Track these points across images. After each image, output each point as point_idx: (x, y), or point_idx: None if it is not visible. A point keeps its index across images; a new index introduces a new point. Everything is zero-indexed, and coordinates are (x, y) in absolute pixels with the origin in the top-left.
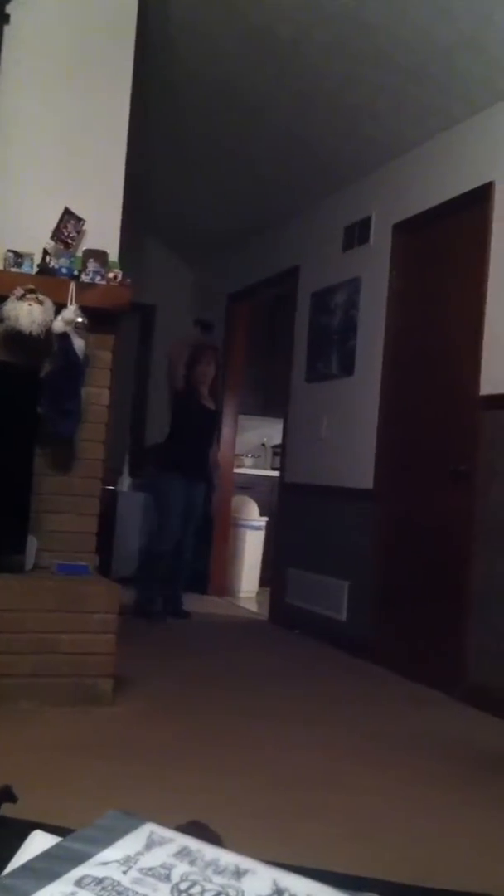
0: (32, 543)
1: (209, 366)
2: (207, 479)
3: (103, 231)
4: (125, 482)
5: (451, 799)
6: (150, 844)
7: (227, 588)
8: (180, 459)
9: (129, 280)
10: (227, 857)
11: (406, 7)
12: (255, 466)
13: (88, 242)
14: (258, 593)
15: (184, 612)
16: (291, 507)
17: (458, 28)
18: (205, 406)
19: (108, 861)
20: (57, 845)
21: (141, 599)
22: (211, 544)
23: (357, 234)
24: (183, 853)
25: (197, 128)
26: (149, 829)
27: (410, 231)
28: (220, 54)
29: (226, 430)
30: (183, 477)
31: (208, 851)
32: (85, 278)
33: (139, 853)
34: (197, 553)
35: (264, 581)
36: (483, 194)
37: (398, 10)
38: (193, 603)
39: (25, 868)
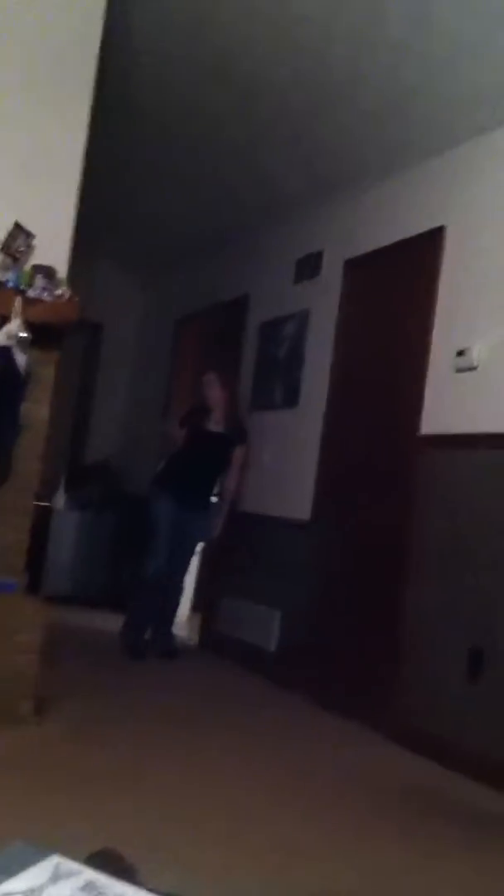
0: None
1: (212, 389)
2: (205, 509)
3: (53, 247)
4: (61, 499)
5: (363, 833)
6: (56, 877)
7: None
8: (167, 480)
9: (76, 297)
10: (133, 893)
11: (370, 48)
12: None
13: (37, 258)
14: (189, 619)
15: (171, 651)
16: (229, 534)
17: (419, 70)
18: (208, 430)
19: (11, 893)
20: None
21: (123, 631)
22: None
23: (309, 267)
24: (88, 887)
25: (151, 147)
26: (55, 860)
27: (361, 268)
28: (180, 78)
29: None
30: (173, 499)
31: (114, 886)
32: (32, 293)
33: (44, 885)
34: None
35: (196, 607)
36: (434, 238)
37: (362, 51)
38: (119, 624)
39: None
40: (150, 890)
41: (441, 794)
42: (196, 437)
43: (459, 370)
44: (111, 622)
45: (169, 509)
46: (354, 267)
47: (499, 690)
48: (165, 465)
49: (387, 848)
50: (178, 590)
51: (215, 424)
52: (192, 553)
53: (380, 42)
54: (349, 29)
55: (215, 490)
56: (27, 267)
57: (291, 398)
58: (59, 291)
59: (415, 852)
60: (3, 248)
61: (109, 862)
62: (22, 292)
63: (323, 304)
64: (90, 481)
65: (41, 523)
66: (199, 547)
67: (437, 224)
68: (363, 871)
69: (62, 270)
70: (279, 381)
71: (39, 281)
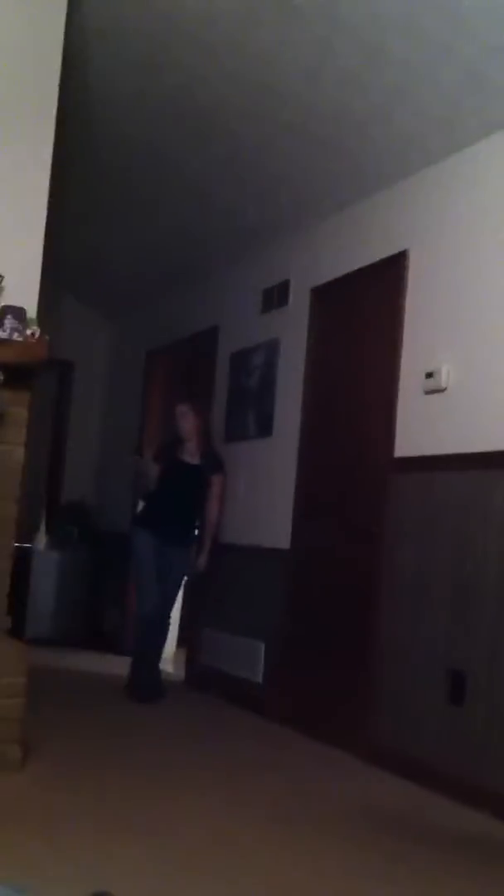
0: None
1: (184, 419)
2: (187, 543)
3: (22, 287)
4: (41, 540)
5: (351, 863)
6: None
7: None
8: (148, 518)
9: (46, 337)
10: None
11: (320, 79)
12: None
13: (6, 298)
14: (174, 654)
15: (159, 690)
16: (211, 566)
17: (370, 101)
18: (183, 461)
19: None
20: None
21: (130, 674)
22: (125, 605)
23: (276, 296)
24: None
25: (115, 185)
26: None
27: (328, 295)
28: (139, 115)
29: None
30: (152, 534)
31: None
32: (1, 334)
33: None
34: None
35: (180, 642)
36: (397, 262)
37: (313, 82)
38: (108, 664)
39: None
40: None
41: (426, 819)
42: (172, 470)
43: (429, 392)
44: (94, 663)
45: (151, 547)
46: (321, 294)
47: (478, 713)
48: (145, 505)
49: (377, 881)
50: (165, 627)
51: (190, 456)
52: (178, 589)
53: (330, 74)
54: (299, 62)
55: (196, 522)
56: None
57: (265, 428)
58: (29, 331)
59: (404, 880)
60: None
61: None
62: None
63: (292, 332)
64: (69, 521)
65: (22, 566)
66: (184, 581)
67: (400, 248)
68: None
69: (31, 310)
70: (252, 410)
71: (9, 322)
